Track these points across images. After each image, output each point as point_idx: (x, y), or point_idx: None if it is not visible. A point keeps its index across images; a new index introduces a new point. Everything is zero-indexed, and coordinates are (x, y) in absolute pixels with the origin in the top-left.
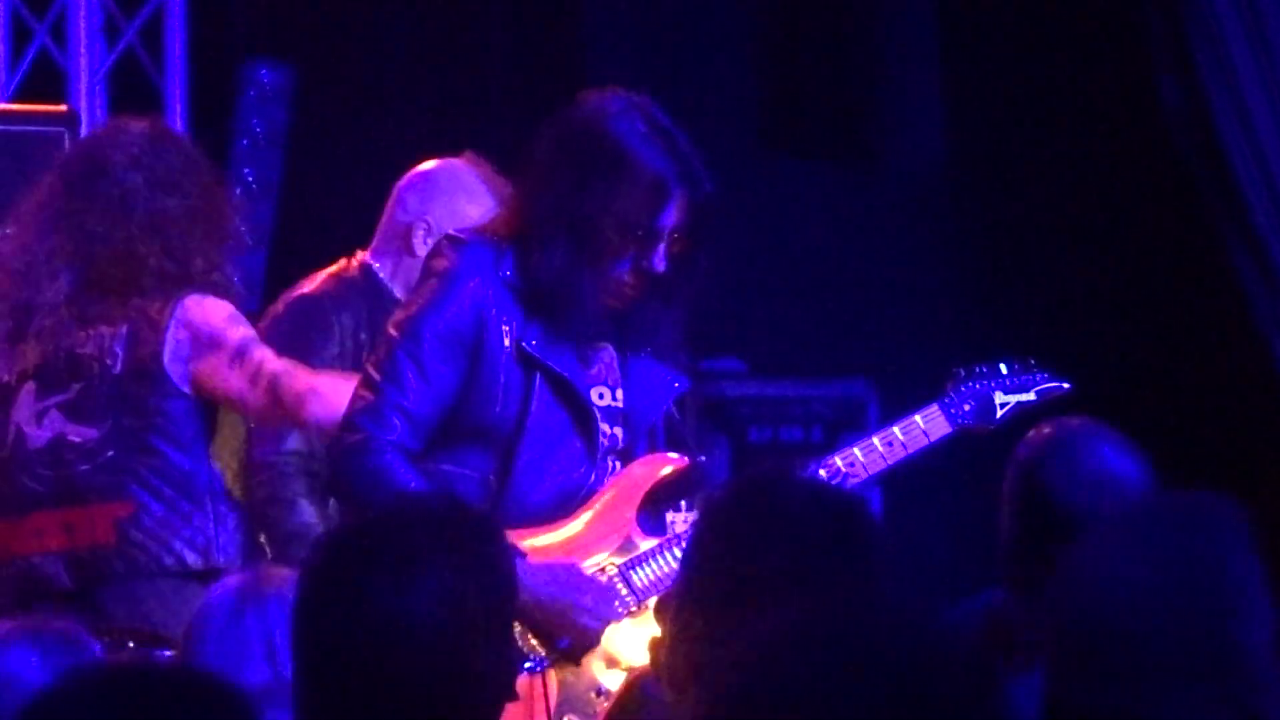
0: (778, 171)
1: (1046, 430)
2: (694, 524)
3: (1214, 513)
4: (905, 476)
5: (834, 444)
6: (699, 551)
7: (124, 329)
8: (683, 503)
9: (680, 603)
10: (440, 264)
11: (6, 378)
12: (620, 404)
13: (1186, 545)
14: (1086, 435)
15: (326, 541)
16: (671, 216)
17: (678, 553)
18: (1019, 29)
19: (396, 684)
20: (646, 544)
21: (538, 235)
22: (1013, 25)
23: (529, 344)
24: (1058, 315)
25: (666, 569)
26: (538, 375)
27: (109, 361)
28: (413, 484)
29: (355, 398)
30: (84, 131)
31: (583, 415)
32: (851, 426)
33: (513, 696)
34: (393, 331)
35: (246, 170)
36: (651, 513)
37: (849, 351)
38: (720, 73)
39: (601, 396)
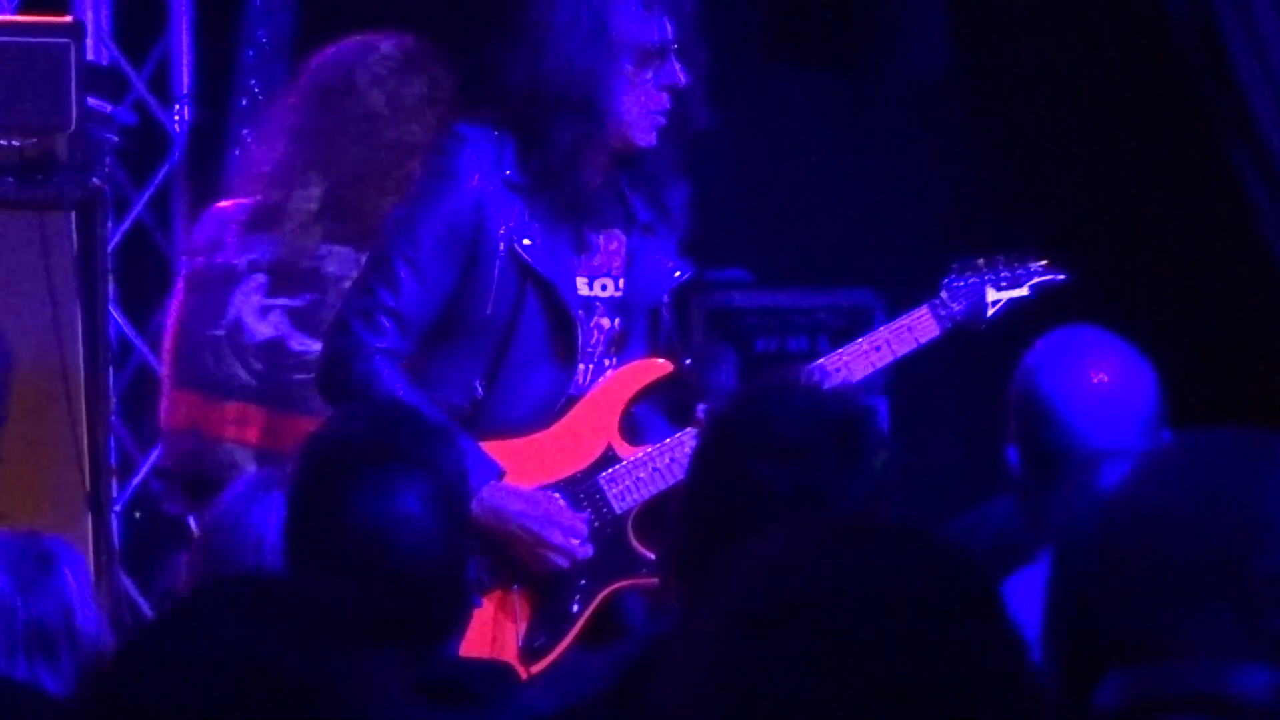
0: (781, 81)
1: (1050, 337)
2: (697, 439)
3: (1248, 447)
4: (913, 386)
5: None
6: (702, 468)
7: (362, 257)
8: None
9: (684, 518)
10: (441, 160)
11: (236, 260)
12: (620, 293)
13: (1216, 477)
14: (1089, 342)
15: (307, 451)
16: (666, 29)
17: (667, 461)
18: None
19: (385, 587)
20: (629, 454)
21: (538, 109)
22: None
23: (521, 245)
24: (1063, 224)
25: (649, 480)
26: (529, 281)
27: (346, 285)
28: (401, 393)
29: (349, 298)
30: (89, 42)
31: (566, 321)
32: (858, 336)
33: (474, 600)
34: (390, 230)
35: (252, 80)
36: (636, 418)
37: (855, 261)
38: None
39: (604, 287)
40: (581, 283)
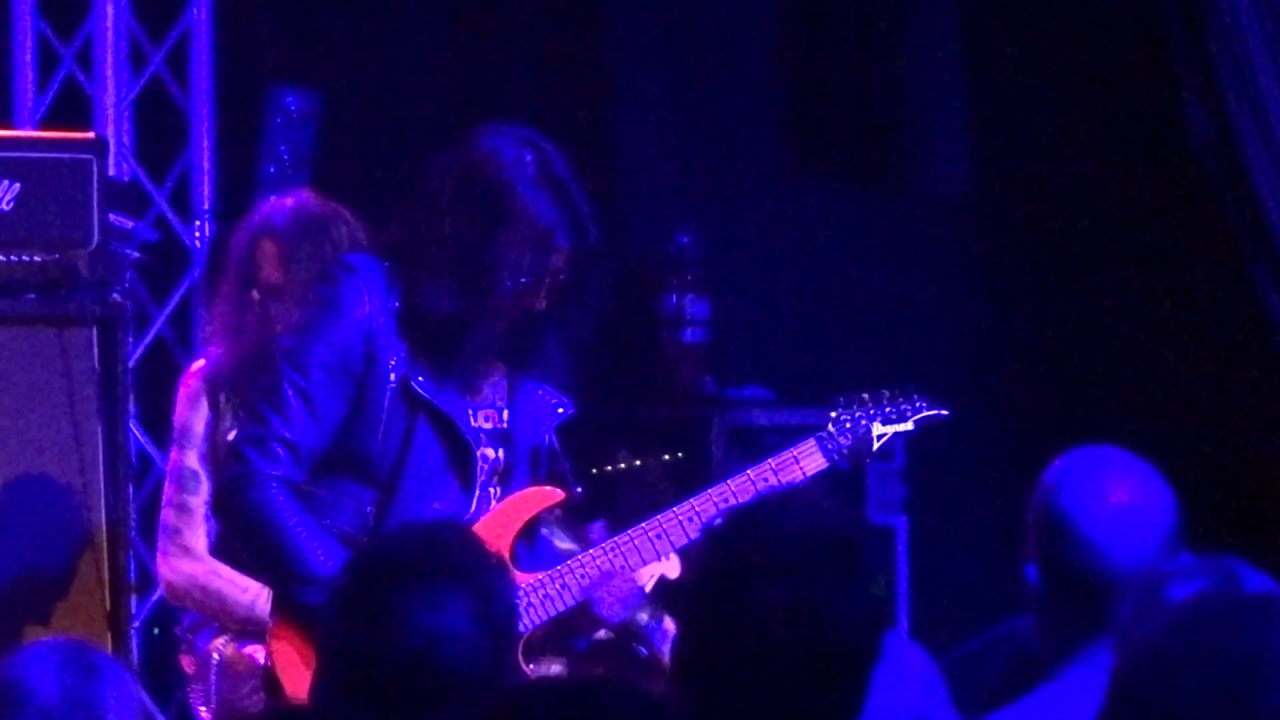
0: (803, 196)
1: (1071, 457)
2: (697, 553)
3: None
4: (931, 503)
5: (861, 473)
6: (699, 585)
7: None
8: (563, 535)
9: (684, 635)
10: (329, 290)
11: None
12: (505, 424)
13: (1242, 646)
14: (1108, 461)
15: (354, 564)
16: (556, 263)
17: (558, 587)
18: (1044, 53)
19: (433, 699)
20: (522, 580)
21: (426, 271)
22: (1038, 49)
23: (415, 380)
24: (1085, 339)
25: (540, 605)
26: (421, 411)
27: None
28: (294, 520)
29: (242, 427)
30: (111, 158)
31: (462, 451)
32: (879, 456)
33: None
34: (280, 360)
35: (273, 196)
36: (528, 545)
37: (876, 379)
38: (746, 96)
39: (488, 419)
40: (469, 414)
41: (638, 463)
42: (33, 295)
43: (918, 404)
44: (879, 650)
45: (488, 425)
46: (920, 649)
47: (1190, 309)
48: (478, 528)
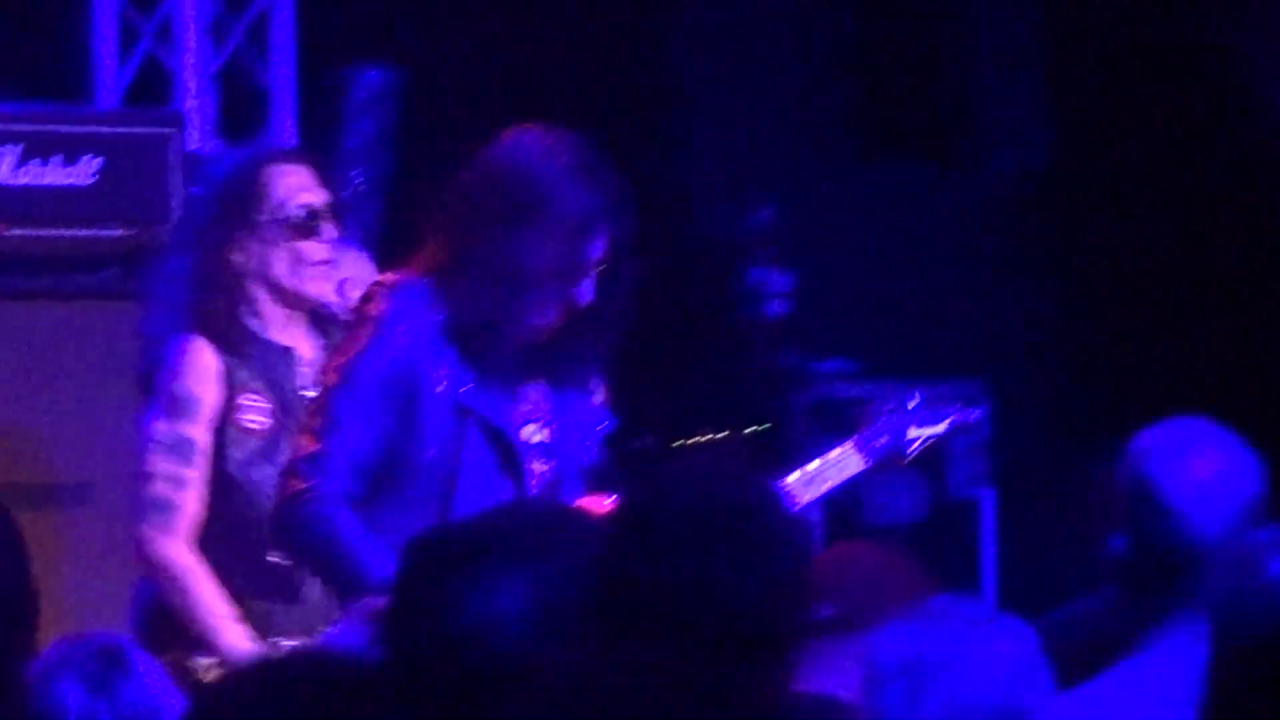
0: (880, 173)
1: (1157, 429)
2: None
3: None
4: (1017, 477)
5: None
6: (598, 569)
7: None
8: None
9: (583, 625)
10: (373, 309)
11: None
12: (549, 439)
13: None
14: (1195, 432)
15: (410, 548)
16: (595, 250)
17: None
18: (1122, 29)
19: (484, 689)
20: None
21: (463, 279)
22: (1115, 25)
23: (462, 391)
24: (1166, 312)
25: None
26: (470, 421)
27: None
28: (355, 535)
29: (298, 447)
30: (192, 132)
31: (512, 459)
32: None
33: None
34: (331, 378)
35: (355, 172)
36: None
37: (957, 355)
38: (821, 73)
39: (534, 434)
40: (516, 426)
41: (720, 437)
42: (114, 270)
43: (950, 407)
44: (791, 626)
45: (535, 440)
46: (1019, 624)
47: (1273, 280)
48: None
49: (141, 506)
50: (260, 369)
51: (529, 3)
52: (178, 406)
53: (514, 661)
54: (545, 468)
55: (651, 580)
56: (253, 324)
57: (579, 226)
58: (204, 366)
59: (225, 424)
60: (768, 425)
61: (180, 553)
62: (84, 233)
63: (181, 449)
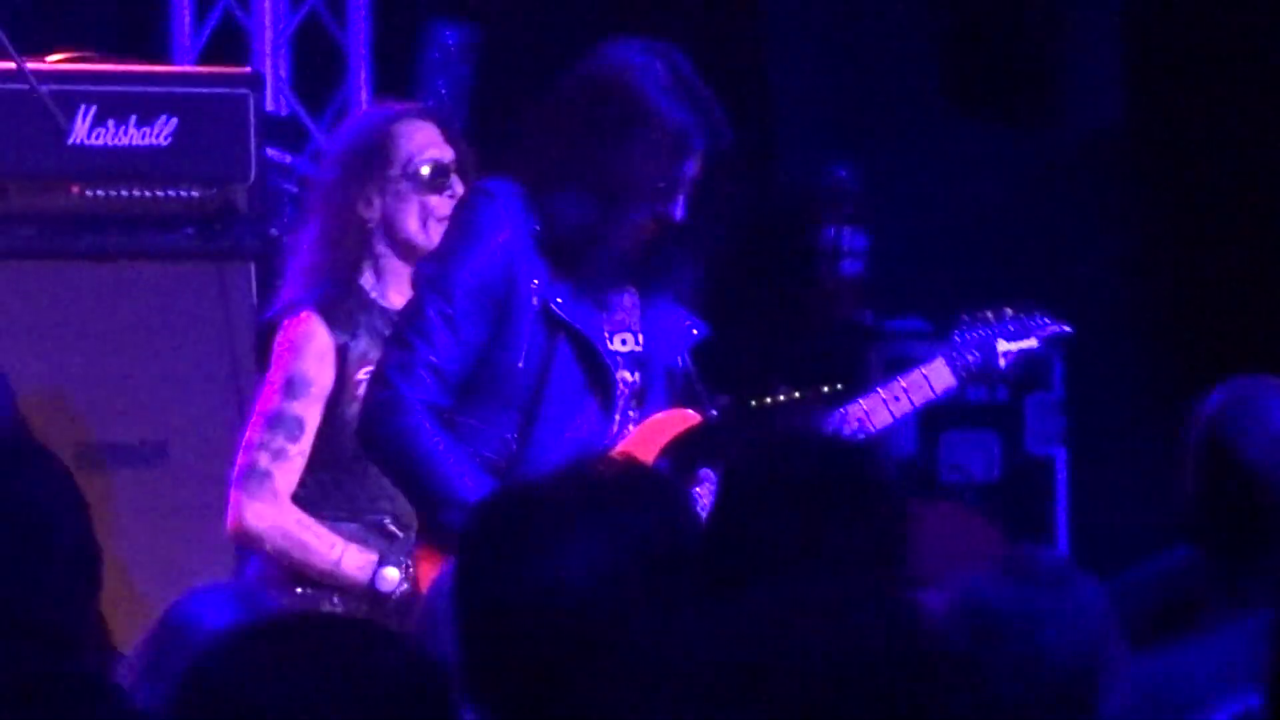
0: (958, 129)
1: (1231, 386)
2: (714, 489)
3: None
4: (1091, 435)
5: (1019, 403)
6: (714, 518)
7: None
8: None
9: (702, 567)
10: (469, 216)
11: None
12: (640, 348)
13: None
14: (1268, 391)
15: (480, 508)
16: (692, 168)
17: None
18: None
19: (553, 654)
20: None
21: (559, 187)
22: None
23: (555, 303)
24: (1243, 270)
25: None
26: (561, 334)
27: None
28: (439, 444)
29: (387, 352)
30: (268, 92)
31: (601, 373)
32: (1037, 386)
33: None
34: (423, 285)
35: None
36: (669, 468)
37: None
38: (901, 30)
39: (624, 342)
40: (607, 337)
41: (796, 395)
42: (191, 230)
43: (1040, 320)
44: (893, 580)
45: (624, 348)
46: (1092, 581)
47: None
48: (617, 452)
49: (239, 474)
50: (374, 338)
51: None
52: (291, 386)
53: (592, 625)
54: (634, 377)
55: (761, 535)
56: (370, 287)
57: (676, 142)
58: (319, 346)
59: (342, 400)
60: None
61: (276, 514)
62: (160, 193)
63: (288, 425)
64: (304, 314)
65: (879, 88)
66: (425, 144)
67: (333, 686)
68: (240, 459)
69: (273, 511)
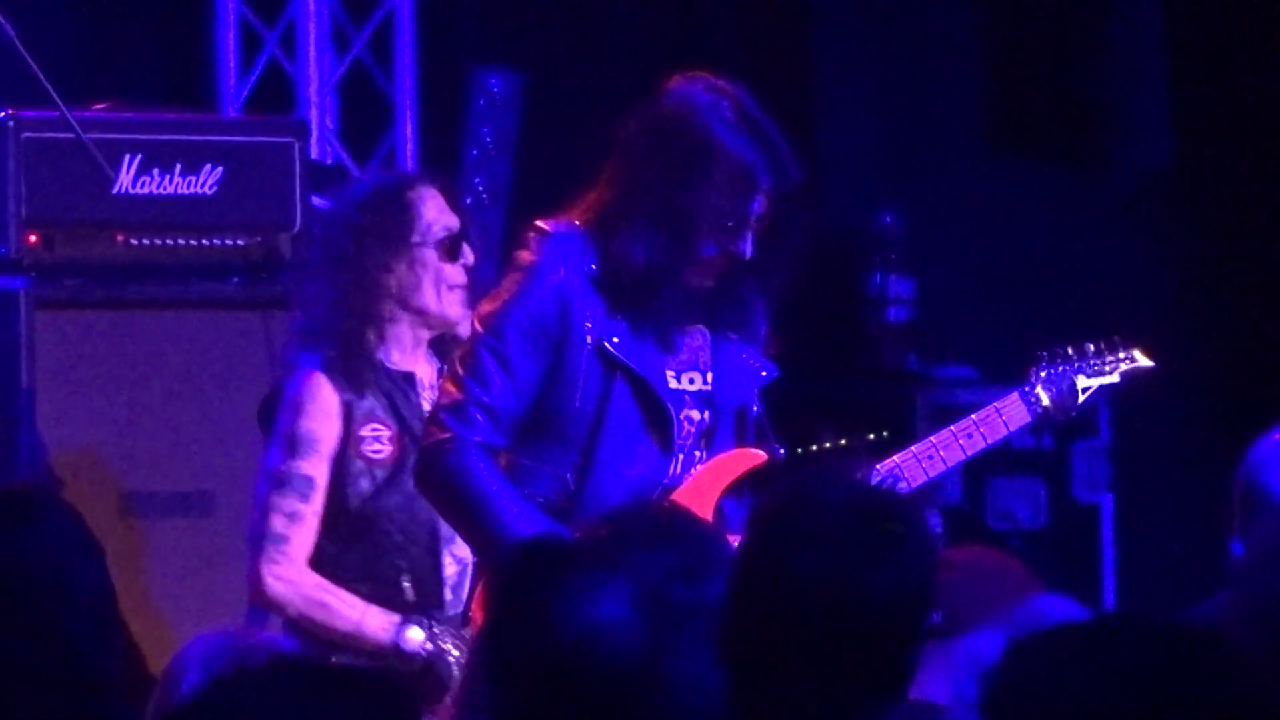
0: (1005, 174)
1: (1275, 431)
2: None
3: None
4: (1138, 481)
5: (1066, 450)
6: (743, 554)
7: None
8: None
9: (730, 604)
10: (526, 256)
11: None
12: (709, 387)
13: None
14: None
15: (512, 554)
16: (759, 204)
17: None
18: (1248, 28)
19: (588, 695)
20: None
21: (625, 225)
22: (1242, 24)
23: (611, 342)
24: None
25: None
26: (618, 373)
27: None
28: (494, 485)
29: (442, 394)
30: (314, 140)
31: (660, 412)
32: (1083, 432)
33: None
34: (478, 326)
35: (477, 179)
36: (724, 509)
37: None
38: (948, 73)
39: (692, 381)
40: (670, 376)
41: (842, 442)
42: (236, 279)
43: (1123, 355)
44: (918, 628)
45: (691, 387)
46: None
47: None
48: (681, 491)
49: (256, 539)
50: (382, 397)
51: (650, 3)
52: (298, 444)
53: (620, 668)
54: (702, 415)
55: (791, 574)
56: (378, 349)
57: (744, 178)
58: (324, 404)
59: (348, 457)
60: (886, 432)
61: (297, 578)
62: (205, 242)
63: (298, 485)
64: (310, 374)
65: (926, 132)
66: (439, 211)
67: None
68: (253, 523)
69: (293, 575)
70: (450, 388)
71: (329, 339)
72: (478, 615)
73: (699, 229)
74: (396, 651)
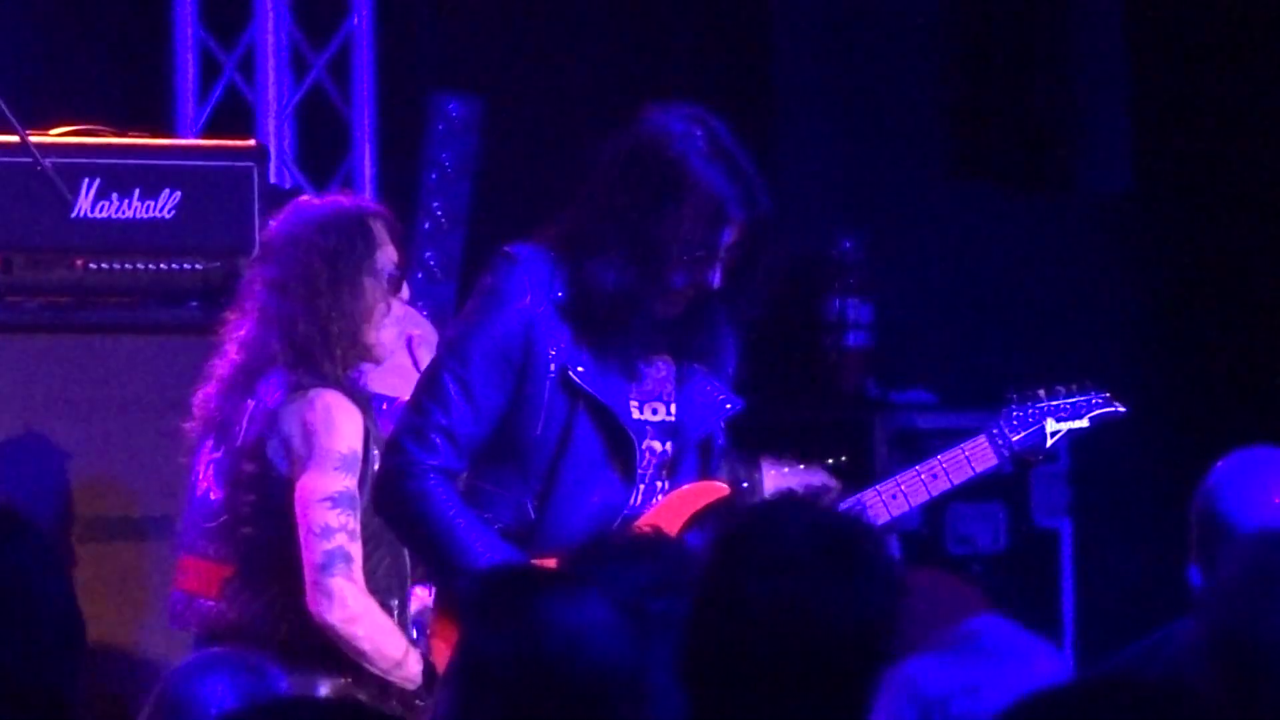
0: (966, 198)
1: (1231, 458)
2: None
3: None
4: (1097, 505)
5: (1025, 478)
6: (703, 580)
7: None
8: None
9: (691, 630)
10: (492, 280)
11: None
12: (673, 418)
13: None
14: (1270, 463)
15: (482, 577)
16: (729, 236)
17: None
18: (1208, 51)
19: (568, 708)
20: None
21: (596, 253)
22: (1202, 48)
23: (575, 371)
24: (1251, 339)
25: None
26: (581, 402)
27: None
28: (452, 510)
29: (402, 418)
30: (272, 165)
31: (623, 442)
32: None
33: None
34: (441, 351)
35: (435, 203)
36: (700, 538)
37: (1040, 382)
38: (908, 98)
39: (655, 411)
40: (633, 406)
41: (801, 466)
42: (195, 303)
43: (1094, 400)
44: (879, 654)
45: (655, 418)
46: (1050, 647)
47: None
48: (644, 521)
49: (326, 561)
50: (369, 416)
51: (612, 25)
52: (345, 462)
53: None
54: (665, 447)
55: (753, 598)
56: (357, 376)
57: (715, 210)
58: (355, 422)
59: (367, 477)
60: (845, 457)
61: (368, 599)
62: (164, 266)
63: (350, 503)
64: (328, 393)
65: (886, 156)
66: (390, 243)
67: None
68: (319, 546)
69: (365, 595)
70: (411, 413)
71: (316, 359)
72: (438, 641)
73: (669, 259)
74: (422, 695)
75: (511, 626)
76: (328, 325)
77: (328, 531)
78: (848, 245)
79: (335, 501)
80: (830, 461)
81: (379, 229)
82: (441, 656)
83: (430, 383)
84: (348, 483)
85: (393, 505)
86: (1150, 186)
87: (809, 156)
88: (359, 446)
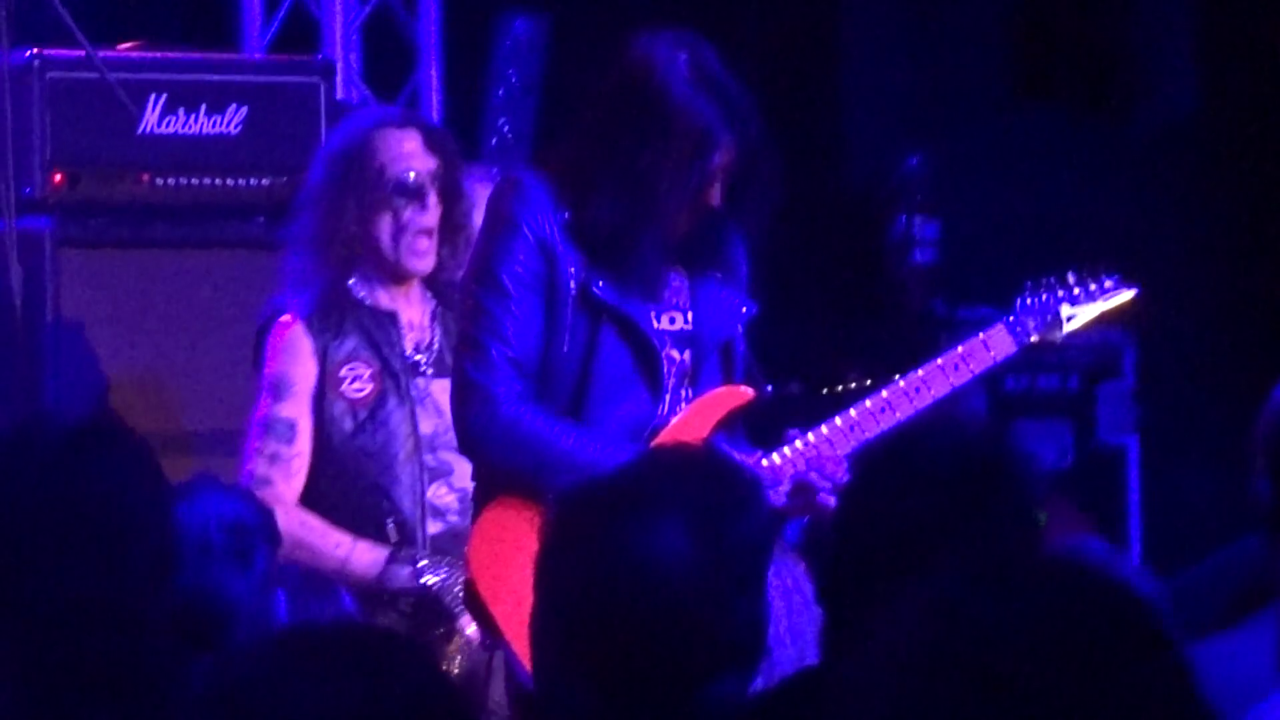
0: (1030, 120)
1: None
2: (850, 477)
3: None
4: (1163, 424)
5: (1092, 392)
6: (851, 503)
7: None
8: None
9: (835, 553)
10: (501, 206)
11: None
12: (690, 326)
13: None
14: None
15: (562, 496)
16: (720, 159)
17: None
18: None
19: (644, 636)
20: None
21: (591, 186)
22: None
23: (596, 286)
24: None
25: None
26: (604, 317)
27: None
28: (547, 428)
29: (460, 358)
30: (339, 81)
31: (648, 353)
32: (1109, 374)
33: (760, 658)
34: (474, 285)
35: (502, 120)
36: (724, 443)
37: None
38: (973, 21)
39: (672, 321)
40: (652, 316)
41: (869, 383)
42: (261, 219)
43: (1106, 282)
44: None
45: (672, 327)
46: (1145, 573)
47: None
48: (671, 429)
49: (250, 484)
50: (362, 337)
51: None
52: (275, 388)
53: (686, 606)
54: (683, 356)
55: (911, 512)
56: (358, 288)
57: (700, 140)
58: (297, 348)
59: (328, 400)
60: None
61: (284, 515)
62: (231, 182)
63: (279, 429)
64: (285, 318)
65: (950, 78)
66: (402, 154)
67: (354, 699)
68: (242, 468)
69: (279, 516)
70: (470, 350)
71: (308, 278)
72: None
73: (660, 188)
74: (380, 588)
75: (586, 550)
76: (323, 244)
77: (248, 453)
78: (914, 163)
79: (260, 426)
80: (898, 378)
81: (384, 139)
82: (484, 582)
83: (478, 315)
84: (278, 409)
85: (486, 440)
86: (1214, 110)
87: (875, 76)
88: (300, 375)
